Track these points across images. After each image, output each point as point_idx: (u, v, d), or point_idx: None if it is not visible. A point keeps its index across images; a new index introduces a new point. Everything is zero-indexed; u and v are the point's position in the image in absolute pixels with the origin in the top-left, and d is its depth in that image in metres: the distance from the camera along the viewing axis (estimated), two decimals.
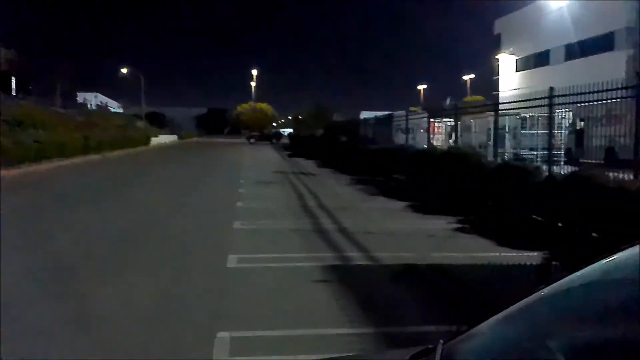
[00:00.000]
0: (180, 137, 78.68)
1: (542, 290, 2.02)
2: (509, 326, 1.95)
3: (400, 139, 22.02)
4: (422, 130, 20.59)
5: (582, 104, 10.91)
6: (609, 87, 9.70)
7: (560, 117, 11.98)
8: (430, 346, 1.99)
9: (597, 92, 10.06)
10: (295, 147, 48.13)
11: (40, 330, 5.11)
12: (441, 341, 1.92)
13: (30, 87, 61.03)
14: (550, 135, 11.56)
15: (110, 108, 77.06)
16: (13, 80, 57.95)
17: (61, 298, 6.14)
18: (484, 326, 1.99)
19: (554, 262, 7.18)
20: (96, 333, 5.10)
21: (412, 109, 26.40)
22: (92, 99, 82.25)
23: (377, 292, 6.45)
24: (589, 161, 11.23)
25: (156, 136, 62.64)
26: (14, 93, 54.77)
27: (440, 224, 10.72)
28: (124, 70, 74.28)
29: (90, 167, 27.82)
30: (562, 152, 12.09)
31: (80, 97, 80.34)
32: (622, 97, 9.67)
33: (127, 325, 5.29)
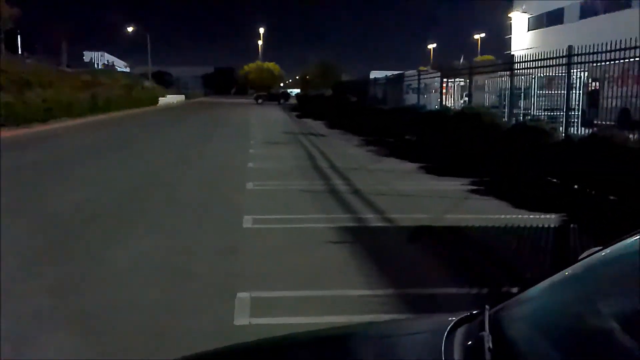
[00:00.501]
0: (187, 97, 78.29)
1: (589, 257, 1.96)
2: (557, 292, 1.89)
3: (411, 99, 21.76)
4: (434, 91, 20.30)
5: (598, 64, 10.68)
6: (627, 46, 9.47)
7: (575, 77, 11.74)
8: (475, 312, 1.94)
9: (615, 50, 9.83)
10: (304, 108, 47.78)
11: (60, 286, 5.15)
12: (487, 307, 1.87)
13: (36, 46, 60.52)
14: (568, 96, 11.36)
15: (117, 67, 76.49)
16: (19, 38, 57.44)
17: (76, 256, 6.17)
18: (530, 292, 1.93)
19: (572, 225, 7.13)
20: (113, 289, 5.12)
21: (421, 68, 25.97)
22: (99, 58, 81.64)
23: (393, 254, 6.42)
24: (603, 122, 11.04)
25: (163, 96, 62.38)
26: (19, 52, 54.37)
27: (454, 186, 10.65)
28: (130, 29, 73.53)
29: (98, 127, 27.75)
30: (578, 114, 11.88)
31: (87, 56, 79.82)
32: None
33: (146, 283, 5.30)
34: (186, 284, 5.32)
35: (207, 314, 4.65)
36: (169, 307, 4.79)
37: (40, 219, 8.02)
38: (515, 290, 2.01)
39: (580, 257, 2.06)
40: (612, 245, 1.93)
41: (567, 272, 1.93)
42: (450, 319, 1.94)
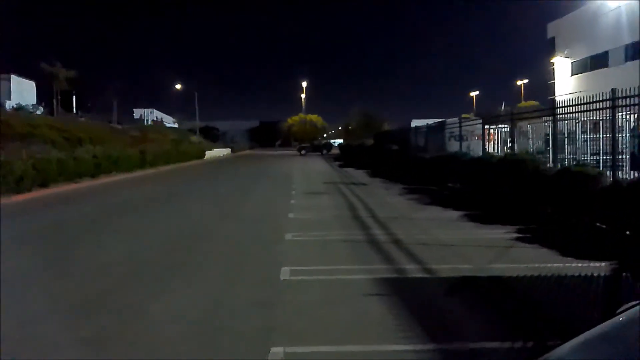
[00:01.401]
0: (233, 150, 79.99)
1: (628, 311, 1.81)
2: (590, 352, 1.74)
3: (453, 146, 21.56)
4: (476, 137, 20.08)
5: None
6: None
7: (623, 119, 11.42)
8: None
9: None
10: (346, 157, 48.03)
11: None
12: None
13: (89, 105, 63.35)
14: (614, 139, 11.03)
15: (166, 123, 79.01)
16: (74, 98, 60.32)
17: (115, 309, 6.19)
18: (561, 350, 1.78)
19: (624, 273, 6.78)
20: (148, 344, 5.09)
21: (464, 116, 25.80)
22: (148, 114, 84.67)
23: (434, 306, 6.20)
24: None
25: (210, 150, 63.90)
26: (74, 111, 56.96)
27: (499, 234, 10.35)
28: (178, 87, 76.29)
29: (146, 180, 28.47)
30: (627, 157, 11.49)
31: (137, 113, 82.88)
32: None
33: (179, 337, 5.25)
34: (220, 338, 5.25)
35: None
36: None
37: (81, 271, 8.15)
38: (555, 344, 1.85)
39: (618, 311, 1.91)
40: None
41: (602, 328, 1.78)
42: None
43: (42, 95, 59.16)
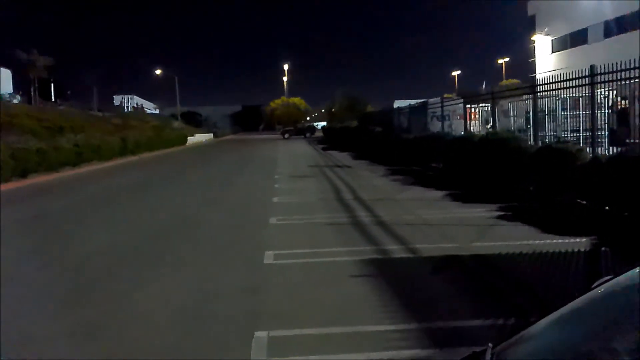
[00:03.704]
0: (216, 136, 79.47)
1: (600, 287, 1.82)
2: (565, 327, 1.75)
3: (435, 126, 21.63)
4: (458, 117, 20.16)
5: (625, 82, 10.44)
6: None
7: (602, 96, 11.51)
8: (478, 350, 1.81)
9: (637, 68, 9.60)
10: (330, 140, 47.99)
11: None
12: (490, 345, 1.74)
13: (68, 92, 62.48)
14: (593, 116, 11.12)
15: (147, 109, 78.21)
16: (52, 86, 59.40)
17: (100, 298, 6.15)
18: (536, 327, 1.79)
19: (603, 248, 6.86)
20: (131, 331, 5.07)
21: (446, 95, 25.87)
22: (128, 101, 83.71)
23: (418, 286, 6.25)
24: (636, 141, 10.75)
25: (192, 135, 63.42)
26: (52, 99, 56.12)
27: (481, 212, 10.42)
28: (158, 72, 75.45)
29: (128, 168, 28.23)
30: (606, 133, 11.60)
31: (117, 99, 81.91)
32: None
33: (164, 323, 5.24)
34: (204, 323, 5.24)
35: (224, 354, 4.56)
36: (185, 348, 4.70)
37: (67, 261, 8.08)
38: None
39: (593, 286, 1.92)
40: (624, 273, 1.79)
41: (576, 303, 1.79)
42: (454, 357, 1.82)
43: (19, 84, 58.20)
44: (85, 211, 13.70)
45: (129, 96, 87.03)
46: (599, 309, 1.75)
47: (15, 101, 43.52)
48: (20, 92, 52.14)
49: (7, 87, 55.14)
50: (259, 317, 5.33)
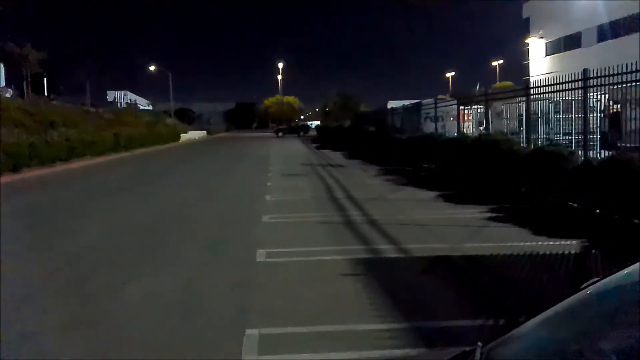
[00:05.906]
0: (209, 133, 79.30)
1: (588, 289, 1.85)
2: (553, 327, 1.77)
3: (429, 127, 21.68)
4: (451, 118, 20.22)
5: (618, 86, 10.51)
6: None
7: (594, 100, 11.58)
8: (468, 349, 1.83)
9: (633, 72, 9.67)
10: (323, 139, 48.03)
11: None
12: (479, 344, 1.76)
13: (61, 87, 62.10)
14: (585, 119, 11.19)
15: (140, 105, 77.91)
16: (45, 81, 59.01)
17: (92, 291, 6.14)
18: (526, 327, 1.82)
19: (593, 251, 6.91)
20: (122, 326, 5.07)
21: (440, 96, 25.92)
22: (122, 97, 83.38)
23: (409, 286, 6.27)
24: (627, 145, 10.83)
25: (185, 132, 63.26)
26: (45, 94, 55.76)
27: (473, 213, 10.47)
28: (152, 68, 75.17)
29: (120, 164, 28.13)
30: (598, 137, 11.68)
31: (110, 95, 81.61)
32: None
33: (155, 319, 5.24)
34: (195, 321, 5.24)
35: (214, 351, 4.56)
36: (176, 344, 4.70)
37: (58, 256, 8.05)
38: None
39: (581, 287, 1.94)
40: (613, 274, 1.81)
41: (565, 304, 1.81)
42: (443, 356, 1.84)
43: (11, 78, 57.71)
44: (76, 206, 13.65)
45: (123, 92, 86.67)
46: (587, 310, 1.77)
47: (7, 95, 43.20)
48: (13, 87, 51.75)
49: None
50: (250, 314, 5.34)
